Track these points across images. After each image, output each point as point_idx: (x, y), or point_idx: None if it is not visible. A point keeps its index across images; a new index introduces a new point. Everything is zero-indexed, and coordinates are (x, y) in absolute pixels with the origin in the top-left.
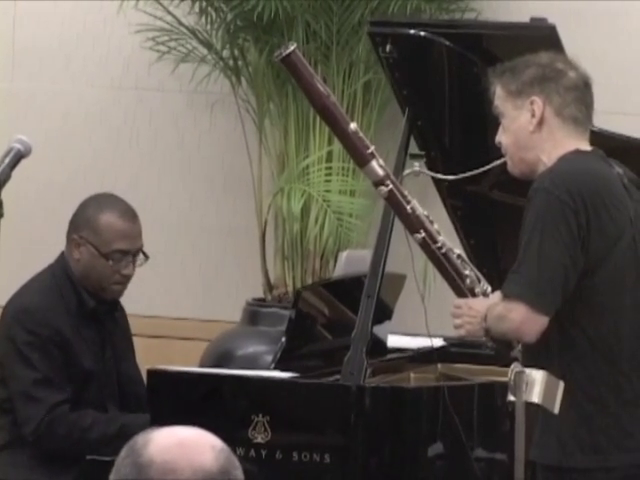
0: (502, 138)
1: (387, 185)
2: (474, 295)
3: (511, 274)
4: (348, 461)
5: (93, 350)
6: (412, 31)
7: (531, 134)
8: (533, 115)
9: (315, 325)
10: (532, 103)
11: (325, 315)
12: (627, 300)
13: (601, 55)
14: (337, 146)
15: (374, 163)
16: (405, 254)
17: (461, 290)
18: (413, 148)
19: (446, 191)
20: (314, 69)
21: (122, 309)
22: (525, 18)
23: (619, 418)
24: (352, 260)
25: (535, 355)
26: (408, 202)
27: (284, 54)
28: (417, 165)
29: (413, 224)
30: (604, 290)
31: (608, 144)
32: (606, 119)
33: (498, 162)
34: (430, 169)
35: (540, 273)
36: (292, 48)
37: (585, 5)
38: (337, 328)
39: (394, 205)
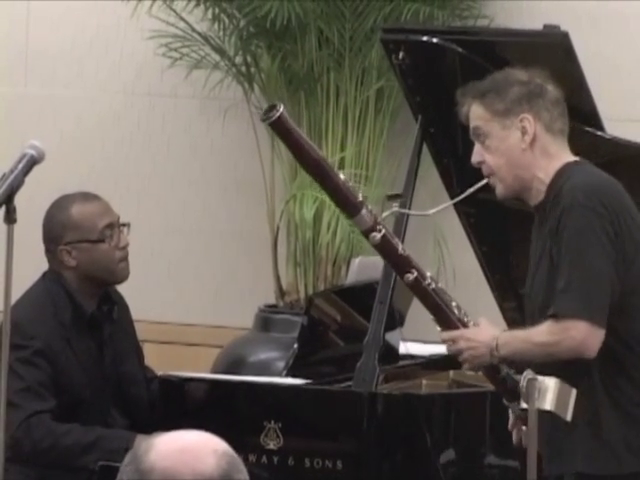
0: (487, 158)
1: (380, 230)
2: (465, 326)
3: (561, 294)
4: (360, 468)
5: (88, 361)
6: (425, 38)
7: (523, 152)
8: (524, 133)
9: (327, 332)
10: (522, 121)
11: (337, 322)
12: None
13: (614, 60)
14: (350, 152)
15: (364, 211)
16: (417, 260)
17: (451, 322)
18: (425, 155)
19: None
20: (327, 76)
21: (124, 305)
22: (537, 22)
23: None
24: (364, 267)
25: (572, 369)
26: (397, 243)
27: (273, 118)
28: (395, 205)
29: (404, 265)
30: (633, 293)
31: (622, 152)
32: (619, 126)
33: (481, 183)
34: (443, 177)
35: (593, 288)
36: (281, 110)
37: (598, 8)
38: (349, 335)
39: (386, 249)
